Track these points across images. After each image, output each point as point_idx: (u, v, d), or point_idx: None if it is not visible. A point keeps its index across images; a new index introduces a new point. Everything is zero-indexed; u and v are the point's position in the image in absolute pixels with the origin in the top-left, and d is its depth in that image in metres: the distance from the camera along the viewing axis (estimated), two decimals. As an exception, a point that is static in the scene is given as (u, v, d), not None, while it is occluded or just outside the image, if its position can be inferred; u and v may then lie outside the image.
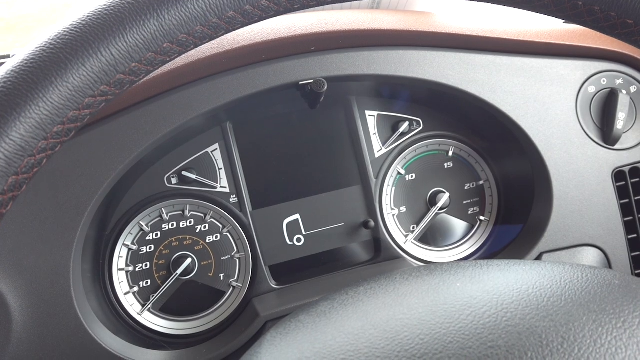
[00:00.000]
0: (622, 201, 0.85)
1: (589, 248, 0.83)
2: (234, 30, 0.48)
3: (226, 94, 0.75)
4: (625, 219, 0.85)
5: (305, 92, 0.79)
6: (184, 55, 0.74)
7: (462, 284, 0.39)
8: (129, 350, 0.76)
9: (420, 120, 0.92)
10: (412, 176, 0.92)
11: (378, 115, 0.91)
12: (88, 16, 0.39)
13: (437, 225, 0.94)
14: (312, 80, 0.76)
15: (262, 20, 0.48)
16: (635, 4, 0.43)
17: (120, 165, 0.71)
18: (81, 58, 0.38)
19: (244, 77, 0.76)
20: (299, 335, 0.37)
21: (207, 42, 0.47)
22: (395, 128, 0.91)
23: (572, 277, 0.40)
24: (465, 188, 0.94)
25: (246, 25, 0.48)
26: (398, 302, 0.38)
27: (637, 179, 0.85)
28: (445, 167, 0.94)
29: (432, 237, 0.94)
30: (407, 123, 0.91)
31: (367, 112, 0.90)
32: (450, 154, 0.93)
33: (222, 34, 0.47)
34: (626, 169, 0.85)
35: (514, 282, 0.38)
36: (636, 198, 0.85)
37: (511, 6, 0.49)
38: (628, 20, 0.46)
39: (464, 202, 0.94)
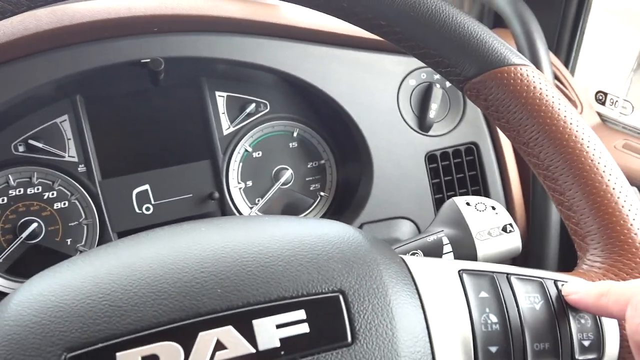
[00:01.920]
0: (433, 181, 0.98)
1: (404, 220, 0.96)
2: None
3: (66, 67, 0.80)
4: (436, 196, 0.98)
5: (148, 70, 0.85)
6: (21, 28, 0.77)
7: (206, 228, 0.47)
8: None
9: (268, 103, 1.01)
10: (258, 154, 1.01)
11: (227, 96, 0.99)
12: None
13: (281, 199, 1.03)
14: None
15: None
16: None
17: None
18: None
19: (86, 52, 0.81)
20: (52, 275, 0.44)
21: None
22: (243, 109, 0.99)
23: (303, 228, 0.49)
24: (308, 166, 1.04)
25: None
26: (155, 244, 0.46)
27: (447, 162, 0.98)
28: (290, 146, 1.03)
29: (277, 210, 1.03)
30: (254, 104, 0.99)
31: (217, 93, 0.98)
32: (295, 135, 1.03)
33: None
34: (437, 153, 0.98)
35: (245, 230, 0.47)
36: (445, 178, 0.98)
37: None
38: (369, 14, 0.54)
39: (307, 179, 1.04)
